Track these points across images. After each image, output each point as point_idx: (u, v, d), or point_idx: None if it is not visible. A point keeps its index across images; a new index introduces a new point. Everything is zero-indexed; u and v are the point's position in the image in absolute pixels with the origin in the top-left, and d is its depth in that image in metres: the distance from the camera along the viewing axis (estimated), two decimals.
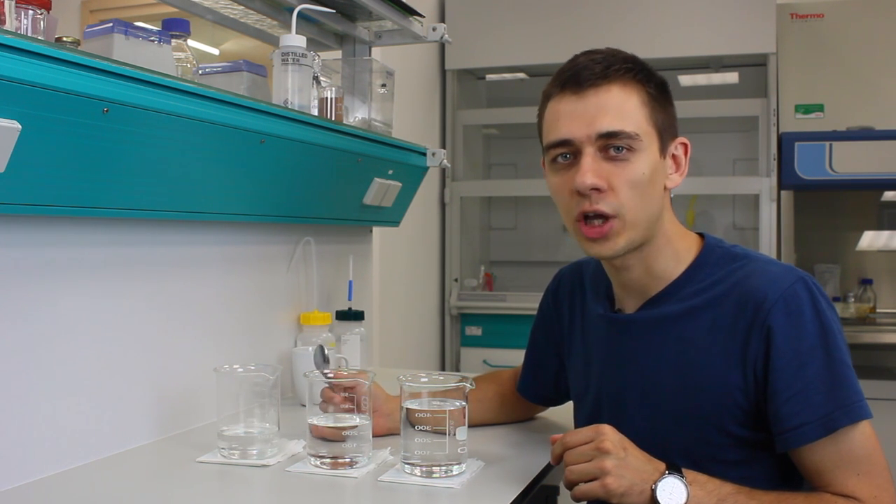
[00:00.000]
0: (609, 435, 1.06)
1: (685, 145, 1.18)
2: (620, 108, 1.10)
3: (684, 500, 1.01)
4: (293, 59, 1.53)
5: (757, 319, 1.08)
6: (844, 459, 1.04)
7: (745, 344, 1.09)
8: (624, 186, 1.09)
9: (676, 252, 1.17)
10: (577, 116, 1.10)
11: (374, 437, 1.25)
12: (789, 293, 1.07)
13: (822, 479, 1.06)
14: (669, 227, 1.17)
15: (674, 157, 1.17)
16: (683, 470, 1.04)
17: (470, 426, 1.43)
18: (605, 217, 1.10)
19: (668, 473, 1.03)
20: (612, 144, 1.09)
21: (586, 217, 1.11)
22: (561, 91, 1.13)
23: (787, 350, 1.06)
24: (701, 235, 1.21)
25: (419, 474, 1.15)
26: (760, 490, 1.05)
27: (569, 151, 1.12)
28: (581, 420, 1.30)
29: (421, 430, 1.14)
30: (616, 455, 1.04)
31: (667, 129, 1.15)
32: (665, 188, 1.15)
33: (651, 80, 1.14)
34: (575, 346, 1.32)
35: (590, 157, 1.09)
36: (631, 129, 1.09)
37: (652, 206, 1.13)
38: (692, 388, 1.12)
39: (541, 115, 1.18)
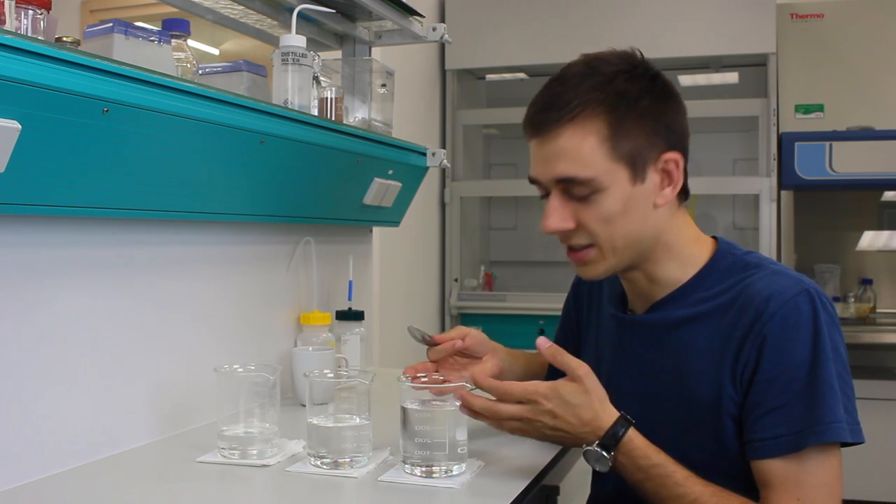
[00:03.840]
0: (542, 404, 1.07)
1: (675, 161, 1.12)
2: (575, 152, 1.07)
3: (606, 469, 1.06)
4: (293, 59, 1.53)
5: (754, 328, 1.06)
6: (788, 479, 1.03)
7: (738, 351, 1.08)
8: (593, 223, 1.09)
9: (682, 259, 1.16)
10: (540, 159, 1.11)
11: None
12: (790, 305, 1.05)
13: (764, 491, 1.05)
14: (673, 237, 1.15)
15: (664, 171, 1.12)
16: (629, 433, 1.06)
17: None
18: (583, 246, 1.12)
19: (599, 442, 1.06)
20: (572, 188, 1.09)
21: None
22: (525, 128, 1.13)
23: (777, 362, 1.04)
24: (715, 239, 1.19)
25: (419, 474, 1.15)
26: (697, 479, 1.05)
27: (540, 190, 1.13)
28: None
29: (421, 430, 1.14)
30: (549, 424, 1.07)
31: (641, 154, 1.09)
32: (656, 206, 1.12)
33: (621, 103, 1.07)
34: (589, 343, 1.33)
35: (555, 199, 1.10)
36: (585, 174, 1.07)
37: (634, 231, 1.11)
38: (689, 396, 1.12)
39: None
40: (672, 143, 1.12)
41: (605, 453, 1.05)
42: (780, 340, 1.04)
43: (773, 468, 1.04)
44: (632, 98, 1.09)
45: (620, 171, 1.08)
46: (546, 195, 1.13)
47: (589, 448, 1.06)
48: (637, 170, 1.09)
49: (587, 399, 1.08)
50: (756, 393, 1.05)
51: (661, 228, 1.13)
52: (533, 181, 1.14)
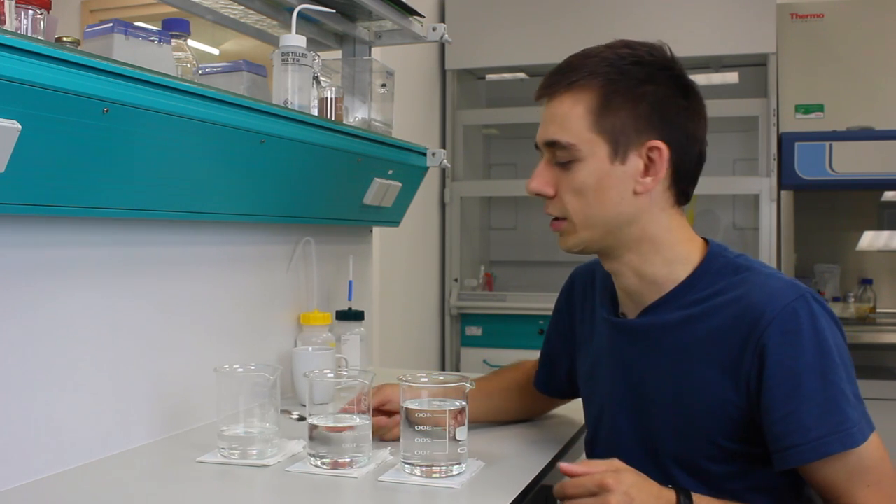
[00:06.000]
0: (613, 489, 1.00)
1: (659, 150, 1.10)
2: (564, 117, 1.12)
3: None
4: (293, 59, 1.53)
5: (752, 336, 1.05)
6: (852, 472, 1.02)
7: (739, 359, 1.07)
8: (567, 193, 1.13)
9: (671, 258, 1.14)
10: (540, 122, 1.16)
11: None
12: (787, 311, 1.04)
13: (832, 492, 1.04)
14: (658, 232, 1.14)
15: (648, 158, 1.11)
16: (694, 497, 1.02)
17: (489, 421, 1.45)
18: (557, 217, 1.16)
19: None
20: (556, 154, 1.13)
21: None
22: (537, 92, 1.17)
23: (780, 370, 1.03)
24: (706, 241, 1.18)
25: (419, 474, 1.15)
26: None
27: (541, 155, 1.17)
28: (589, 421, 1.31)
29: (421, 430, 1.14)
30: None
31: (625, 134, 1.10)
32: (636, 193, 1.11)
33: (620, 80, 1.10)
34: (584, 347, 1.32)
35: (543, 163, 1.15)
36: (566, 139, 1.11)
37: (607, 211, 1.12)
38: (685, 397, 1.12)
39: None
40: (665, 136, 1.11)
41: None
42: (780, 347, 1.03)
43: (826, 470, 1.03)
44: (633, 79, 1.11)
45: (600, 146, 1.11)
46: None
47: None
48: (618, 149, 1.11)
49: (643, 477, 1.04)
50: (765, 400, 1.04)
51: (645, 219, 1.12)
52: (536, 146, 1.18)
